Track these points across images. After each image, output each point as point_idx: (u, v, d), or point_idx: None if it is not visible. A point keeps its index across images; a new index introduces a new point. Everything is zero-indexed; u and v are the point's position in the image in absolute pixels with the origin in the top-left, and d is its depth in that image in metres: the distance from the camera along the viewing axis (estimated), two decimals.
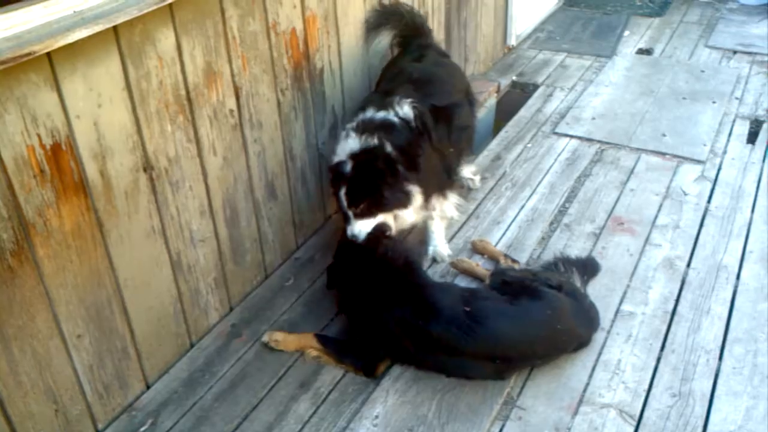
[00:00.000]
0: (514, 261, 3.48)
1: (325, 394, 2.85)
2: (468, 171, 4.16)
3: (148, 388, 2.89)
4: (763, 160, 4.40)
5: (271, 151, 3.25)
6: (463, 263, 3.49)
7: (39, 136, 2.17)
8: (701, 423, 2.69)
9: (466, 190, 4.12)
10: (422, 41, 3.88)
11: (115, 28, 2.33)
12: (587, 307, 3.05)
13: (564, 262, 3.33)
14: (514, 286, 3.00)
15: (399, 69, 3.66)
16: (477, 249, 3.64)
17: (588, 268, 3.41)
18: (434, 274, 3.48)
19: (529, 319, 2.87)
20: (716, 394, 2.81)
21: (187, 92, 2.70)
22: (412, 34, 3.89)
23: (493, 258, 3.55)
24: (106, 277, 2.55)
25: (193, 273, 2.97)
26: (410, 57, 3.75)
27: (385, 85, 3.61)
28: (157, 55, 2.53)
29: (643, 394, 2.81)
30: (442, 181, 3.50)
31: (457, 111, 3.57)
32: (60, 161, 2.26)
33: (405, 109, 3.24)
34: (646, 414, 2.73)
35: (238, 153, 3.05)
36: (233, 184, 3.06)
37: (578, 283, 3.18)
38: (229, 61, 2.87)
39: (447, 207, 3.59)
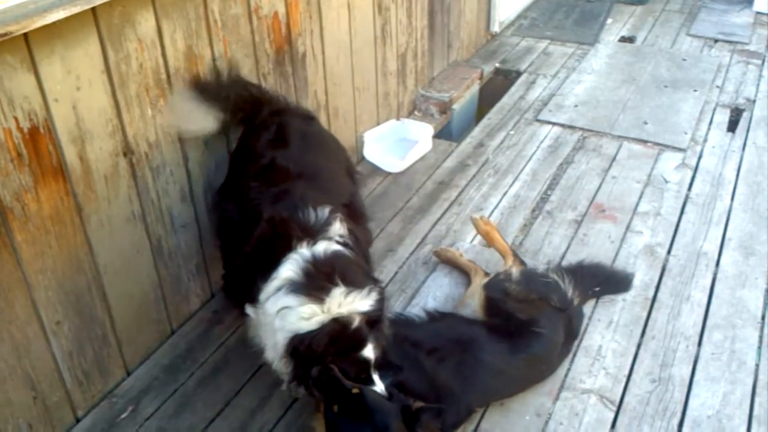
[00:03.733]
0: (522, 263, 3.18)
1: None
2: None
3: (129, 374, 2.87)
4: (743, 149, 4.43)
5: None
6: (447, 253, 3.46)
7: (16, 119, 2.13)
8: (680, 408, 2.72)
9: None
10: (271, 108, 2.95)
11: (93, 9, 2.28)
12: (574, 326, 2.97)
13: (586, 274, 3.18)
14: (512, 318, 2.78)
15: (266, 160, 2.70)
16: (441, 258, 3.45)
17: (613, 284, 3.28)
18: (416, 260, 3.48)
19: (523, 377, 2.74)
20: (695, 379, 2.84)
21: (168, 76, 2.66)
22: (253, 106, 2.93)
23: (463, 270, 3.34)
24: (86, 262, 2.52)
25: (174, 259, 2.94)
26: (268, 135, 2.81)
27: (257, 187, 2.64)
28: (137, 38, 2.49)
29: (624, 380, 2.84)
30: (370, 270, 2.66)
31: (358, 200, 2.90)
32: (38, 145, 2.22)
33: (337, 227, 2.44)
34: (626, 399, 2.76)
35: (219, 138, 3.02)
36: (214, 169, 3.03)
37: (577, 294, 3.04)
38: (211, 45, 2.83)
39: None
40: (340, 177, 2.89)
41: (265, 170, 2.69)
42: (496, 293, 2.90)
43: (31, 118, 2.18)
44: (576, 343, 2.98)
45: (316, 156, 2.85)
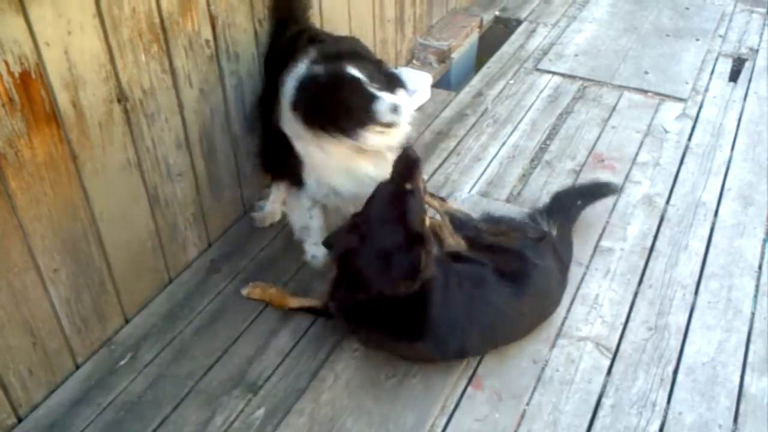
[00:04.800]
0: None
1: (305, 328, 2.86)
2: None
3: (127, 322, 2.88)
4: (744, 99, 4.39)
5: (248, 84, 3.17)
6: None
7: (6, 63, 2.09)
8: (675, 355, 2.74)
9: None
10: (300, 26, 3.19)
11: None
12: (563, 255, 3.01)
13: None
14: (502, 254, 2.79)
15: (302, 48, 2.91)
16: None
17: (594, 193, 3.34)
18: None
19: (528, 311, 2.77)
20: (691, 327, 2.86)
21: (162, 21, 2.61)
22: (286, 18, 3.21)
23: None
24: (82, 210, 2.51)
25: (170, 207, 2.93)
26: (305, 38, 3.03)
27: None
28: None
29: (620, 328, 2.86)
30: None
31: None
32: (30, 90, 2.18)
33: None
34: (622, 347, 2.78)
35: (215, 85, 2.97)
36: (210, 117, 3.00)
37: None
38: None
39: None
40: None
41: (298, 54, 2.82)
42: (471, 231, 2.92)
43: (22, 62, 2.14)
44: (573, 292, 2.99)
45: (352, 45, 3.04)
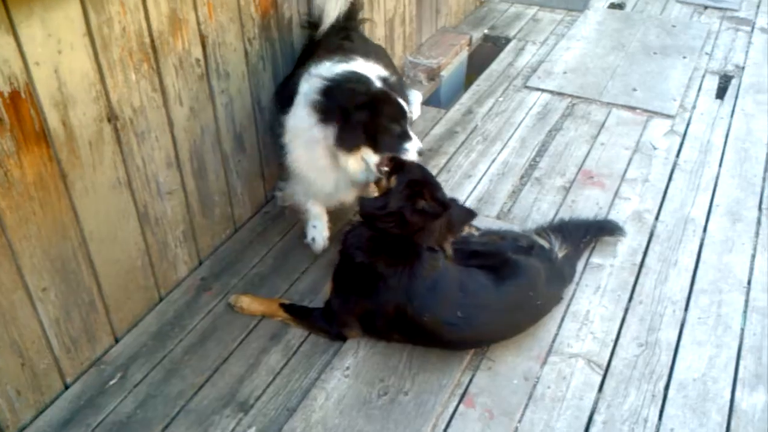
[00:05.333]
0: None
1: (296, 346, 2.85)
2: None
3: (117, 341, 2.86)
4: (731, 115, 4.43)
5: (238, 103, 3.18)
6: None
7: None
8: (666, 371, 2.75)
9: None
10: (342, 25, 3.43)
11: None
12: (559, 266, 3.03)
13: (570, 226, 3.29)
14: (487, 257, 2.90)
15: (333, 45, 3.25)
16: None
17: (595, 229, 3.36)
18: None
19: (514, 302, 2.79)
20: (681, 343, 2.87)
21: (152, 40, 2.62)
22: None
23: None
24: (71, 229, 2.50)
25: (160, 226, 2.92)
26: (336, 40, 3.32)
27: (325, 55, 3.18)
28: (119, 1, 2.43)
29: (611, 344, 2.86)
30: None
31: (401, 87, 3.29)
32: (19, 109, 2.18)
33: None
34: (613, 363, 2.78)
35: (205, 104, 2.98)
36: (200, 135, 3.00)
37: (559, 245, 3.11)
38: (195, 9, 2.78)
39: None
40: (391, 65, 3.45)
41: (330, 50, 3.17)
42: (458, 241, 2.95)
43: (12, 82, 2.14)
44: (564, 309, 3.00)
45: (373, 49, 3.43)
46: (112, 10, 2.42)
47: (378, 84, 2.89)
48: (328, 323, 2.86)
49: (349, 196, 3.14)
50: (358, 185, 3.04)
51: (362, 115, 2.78)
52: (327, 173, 2.98)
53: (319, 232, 3.25)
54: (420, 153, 2.91)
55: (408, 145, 2.88)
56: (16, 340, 2.39)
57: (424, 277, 2.65)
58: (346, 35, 3.37)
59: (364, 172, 2.89)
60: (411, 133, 2.92)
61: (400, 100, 2.90)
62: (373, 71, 2.97)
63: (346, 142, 2.80)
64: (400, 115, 2.88)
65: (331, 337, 2.86)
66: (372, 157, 2.84)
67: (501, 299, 2.76)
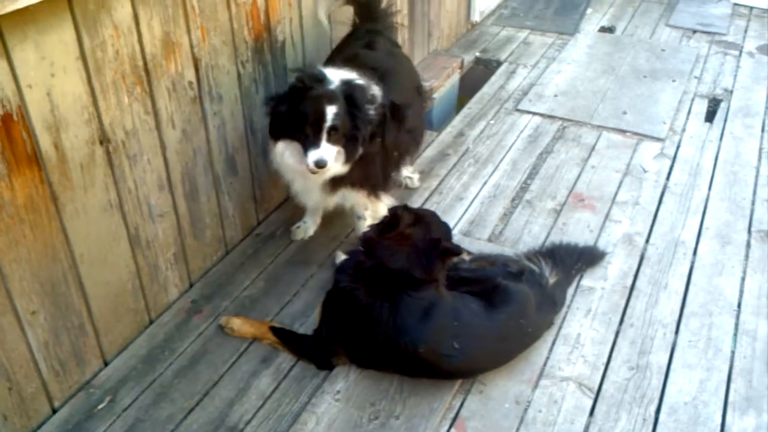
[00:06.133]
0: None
1: (286, 370, 2.84)
2: (407, 170, 3.95)
3: (106, 365, 2.84)
4: (720, 138, 4.47)
5: (231, 125, 3.19)
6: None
7: None
8: (657, 395, 2.74)
9: (402, 189, 3.96)
10: (373, 26, 3.60)
11: None
12: (550, 292, 3.02)
13: (559, 251, 3.29)
14: (477, 283, 2.87)
15: (353, 53, 3.37)
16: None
17: (587, 256, 3.37)
18: None
19: (506, 330, 2.76)
20: (672, 366, 2.87)
21: (145, 63, 2.63)
22: (365, 16, 3.67)
23: None
24: (62, 251, 2.49)
25: (151, 248, 2.91)
26: (361, 42, 3.48)
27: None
28: (113, 24, 2.45)
29: (602, 368, 2.86)
30: (378, 181, 3.24)
31: (410, 112, 3.28)
32: (11, 132, 2.18)
33: (374, 90, 3.01)
34: (604, 386, 2.78)
35: (198, 126, 2.99)
36: (193, 158, 3.01)
37: (549, 271, 3.11)
38: (188, 32, 2.80)
39: (380, 208, 3.28)
40: (402, 85, 3.38)
41: (350, 59, 3.24)
42: (455, 271, 2.94)
43: (4, 104, 2.14)
44: (555, 332, 3.00)
45: (391, 65, 3.39)
46: (106, 34, 2.43)
47: (336, 84, 2.88)
48: (315, 351, 2.85)
49: (321, 199, 3.22)
50: (318, 186, 3.09)
51: (282, 107, 2.89)
52: (292, 171, 3.09)
53: (308, 218, 3.59)
54: (318, 164, 2.79)
55: (311, 152, 2.82)
56: (4, 364, 2.37)
57: (416, 308, 2.63)
58: (370, 41, 3.47)
59: (294, 164, 2.98)
60: (322, 142, 2.81)
61: (324, 103, 2.79)
62: (342, 74, 2.94)
63: (270, 130, 3.00)
64: (316, 117, 2.80)
65: (318, 366, 2.84)
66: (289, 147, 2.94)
67: (493, 327, 2.74)
